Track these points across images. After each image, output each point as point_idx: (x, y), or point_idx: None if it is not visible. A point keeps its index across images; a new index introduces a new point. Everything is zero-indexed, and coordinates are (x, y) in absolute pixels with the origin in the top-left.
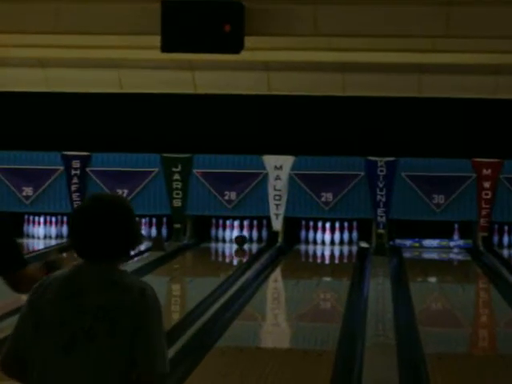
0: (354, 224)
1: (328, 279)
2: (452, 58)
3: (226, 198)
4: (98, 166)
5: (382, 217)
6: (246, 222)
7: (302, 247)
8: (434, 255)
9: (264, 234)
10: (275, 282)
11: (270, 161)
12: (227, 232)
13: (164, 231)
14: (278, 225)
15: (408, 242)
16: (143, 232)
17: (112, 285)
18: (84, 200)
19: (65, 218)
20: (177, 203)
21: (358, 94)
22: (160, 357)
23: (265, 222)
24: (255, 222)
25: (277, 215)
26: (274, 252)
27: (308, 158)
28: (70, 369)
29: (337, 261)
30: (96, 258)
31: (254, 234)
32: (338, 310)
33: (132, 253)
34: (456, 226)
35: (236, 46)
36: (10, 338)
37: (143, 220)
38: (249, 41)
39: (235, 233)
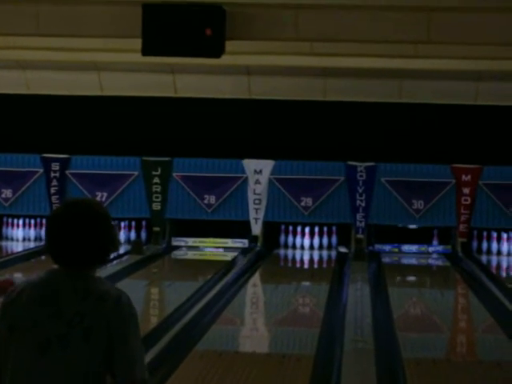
0: (334, 229)
1: (307, 284)
2: (433, 64)
3: (206, 201)
4: (77, 169)
5: (361, 222)
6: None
7: (282, 252)
8: (413, 260)
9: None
10: (254, 286)
11: (250, 165)
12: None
13: (143, 235)
14: (257, 229)
15: (387, 247)
16: (122, 235)
17: (87, 292)
18: (59, 205)
19: (44, 221)
20: (156, 207)
21: (339, 99)
22: (139, 364)
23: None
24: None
25: (256, 219)
26: (253, 256)
27: (288, 162)
28: (43, 374)
29: (316, 265)
30: (71, 264)
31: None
32: (316, 314)
33: (110, 257)
34: (435, 231)
35: (217, 50)
36: None
37: (122, 223)
38: (230, 45)
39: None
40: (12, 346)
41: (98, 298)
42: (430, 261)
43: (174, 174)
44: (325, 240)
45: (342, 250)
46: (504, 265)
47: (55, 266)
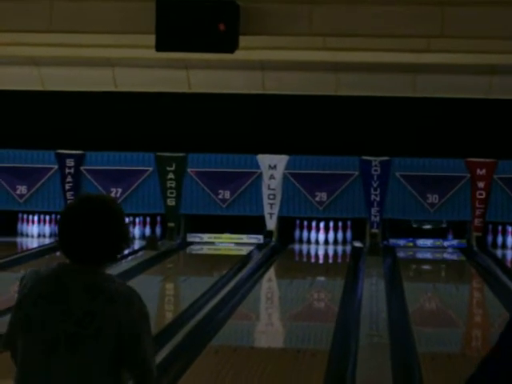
0: (348, 223)
1: (322, 279)
2: (446, 58)
3: (220, 197)
4: (92, 165)
5: (376, 216)
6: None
7: (296, 247)
8: (427, 255)
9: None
10: (269, 281)
11: (265, 160)
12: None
13: (158, 230)
14: (272, 224)
15: (402, 242)
16: (137, 231)
17: (98, 291)
18: (72, 201)
19: (59, 217)
20: (171, 202)
21: (353, 94)
22: (152, 364)
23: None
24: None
25: (271, 214)
26: (268, 251)
27: (302, 157)
28: (50, 371)
29: (331, 260)
30: (82, 259)
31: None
32: (331, 309)
33: (126, 252)
34: (450, 225)
35: (231, 46)
36: (8, 325)
37: (137, 219)
38: (243, 40)
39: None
40: (21, 342)
41: (109, 297)
42: (445, 255)
43: (189, 170)
44: (339, 235)
45: (357, 244)
46: None
47: (64, 262)
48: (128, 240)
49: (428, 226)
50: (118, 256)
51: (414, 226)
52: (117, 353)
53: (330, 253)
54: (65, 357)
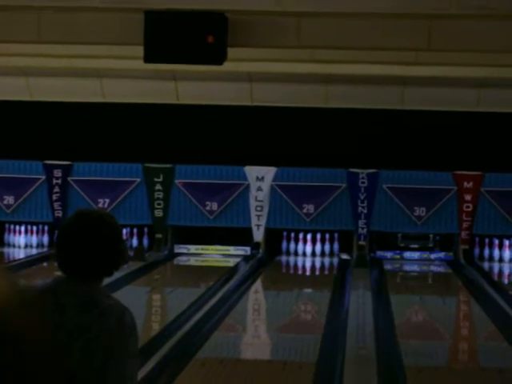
0: (335, 235)
1: (309, 291)
2: (434, 71)
3: (208, 208)
4: (79, 176)
5: (363, 228)
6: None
7: (283, 258)
8: (414, 267)
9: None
10: (256, 293)
11: (252, 172)
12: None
13: (145, 241)
14: (259, 236)
15: (389, 254)
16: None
17: (91, 305)
18: (71, 215)
19: (46, 227)
20: (158, 213)
21: (341, 106)
22: (133, 382)
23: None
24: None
25: (258, 226)
26: (255, 263)
27: (290, 169)
28: None
29: (318, 272)
30: (78, 274)
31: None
32: (318, 321)
33: (118, 269)
34: (437, 238)
35: (219, 57)
36: None
37: (124, 230)
38: (232, 52)
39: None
40: None
41: (102, 312)
42: (432, 268)
43: (176, 181)
44: (327, 247)
45: (344, 256)
46: (506, 272)
47: (60, 274)
48: (125, 255)
49: (415, 246)
50: (114, 271)
51: (401, 245)
52: (101, 370)
53: (317, 265)
54: None
